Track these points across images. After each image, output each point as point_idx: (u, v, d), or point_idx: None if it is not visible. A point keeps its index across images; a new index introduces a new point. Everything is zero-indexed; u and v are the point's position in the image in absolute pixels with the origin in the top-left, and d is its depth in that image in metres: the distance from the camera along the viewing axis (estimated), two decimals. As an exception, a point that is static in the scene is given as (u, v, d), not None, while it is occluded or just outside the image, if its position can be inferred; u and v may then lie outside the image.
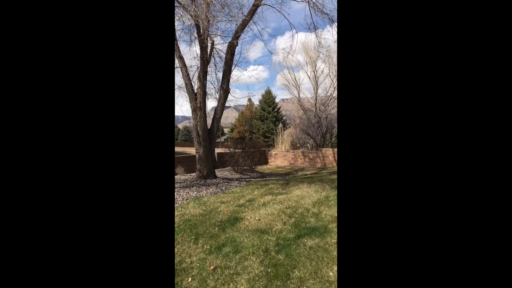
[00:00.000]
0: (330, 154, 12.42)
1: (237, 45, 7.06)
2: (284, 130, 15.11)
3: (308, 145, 14.93)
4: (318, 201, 4.59)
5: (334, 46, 15.65)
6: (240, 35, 6.85)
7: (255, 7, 6.76)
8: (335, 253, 2.77)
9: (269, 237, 3.25)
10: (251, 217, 4.01)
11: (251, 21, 6.93)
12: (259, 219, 3.90)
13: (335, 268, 2.51)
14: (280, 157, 12.92)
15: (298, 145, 15.03)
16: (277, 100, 21.21)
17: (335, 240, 3.05)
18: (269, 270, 2.54)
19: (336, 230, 3.32)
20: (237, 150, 9.09)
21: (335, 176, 7.63)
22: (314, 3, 7.21)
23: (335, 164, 12.38)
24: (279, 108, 20.71)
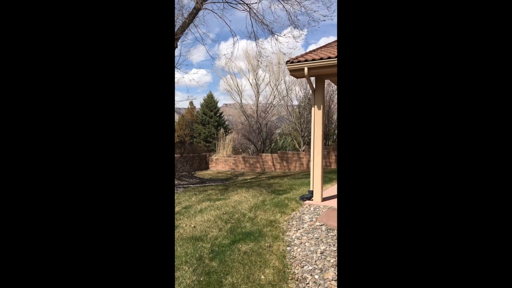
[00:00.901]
0: (269, 160, 12.83)
1: (176, 47, 6.85)
2: (226, 135, 15.10)
3: (249, 150, 15.19)
4: (255, 205, 4.69)
5: (273, 57, 16.30)
6: (180, 37, 6.66)
7: (196, 10, 6.66)
8: (268, 256, 2.86)
9: (204, 244, 3.18)
10: (186, 225, 3.89)
11: (192, 24, 6.81)
12: (194, 226, 3.80)
13: (267, 271, 2.59)
14: (221, 162, 12.86)
15: (241, 150, 15.18)
16: (219, 104, 21.11)
17: (268, 244, 3.15)
18: (201, 279, 2.48)
19: (269, 233, 3.43)
20: (175, 155, 8.75)
21: (273, 181, 7.91)
22: (255, 13, 7.45)
23: (273, 169, 12.82)
24: (221, 113, 20.66)
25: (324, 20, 26.23)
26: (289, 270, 2.62)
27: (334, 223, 3.57)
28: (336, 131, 15.76)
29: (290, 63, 4.60)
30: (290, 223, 3.75)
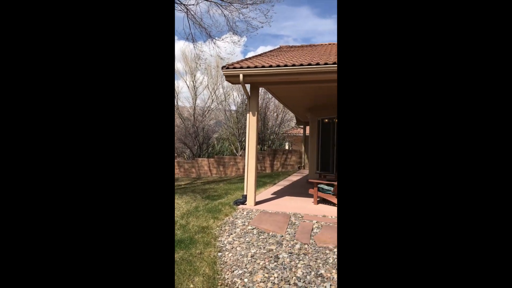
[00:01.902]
0: (205, 164, 12.59)
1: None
2: (159, 138, 14.31)
3: (184, 155, 14.69)
4: (187, 212, 4.54)
5: (212, 60, 16.20)
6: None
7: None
8: (198, 263, 2.79)
9: (128, 257, 2.93)
10: (108, 236, 3.53)
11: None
12: (118, 238, 3.47)
13: (196, 279, 2.52)
14: (153, 167, 12.11)
15: (176, 154, 14.56)
16: (153, 106, 20.01)
17: (199, 251, 3.07)
18: (122, 295, 2.28)
19: (201, 240, 3.36)
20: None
21: (208, 186, 7.79)
22: (192, 15, 7.30)
23: (210, 174, 12.63)
24: (155, 115, 19.64)
25: (262, 27, 27.27)
26: (219, 276, 2.60)
27: (265, 226, 3.68)
28: (271, 136, 16.40)
29: (226, 68, 4.64)
30: (222, 228, 3.73)
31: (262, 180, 7.88)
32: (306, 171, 10.79)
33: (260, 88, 5.38)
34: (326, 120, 7.72)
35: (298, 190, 6.60)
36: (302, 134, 13.48)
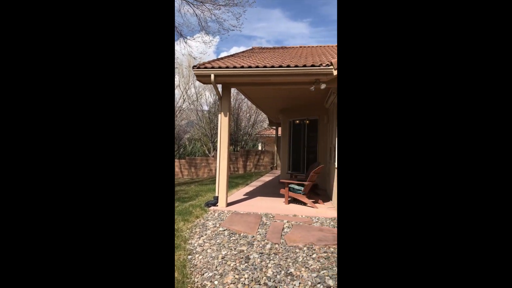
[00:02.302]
0: (176, 166, 12.29)
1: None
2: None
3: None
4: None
5: (184, 59, 15.87)
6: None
7: None
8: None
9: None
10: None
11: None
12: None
13: None
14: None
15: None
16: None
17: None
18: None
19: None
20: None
21: (179, 188, 7.61)
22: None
23: (181, 175, 12.35)
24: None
25: (233, 30, 27.19)
26: (189, 280, 2.55)
27: (236, 227, 3.67)
28: (244, 137, 16.42)
29: (197, 68, 4.57)
30: (193, 231, 3.67)
31: (234, 181, 7.86)
32: (278, 172, 10.93)
33: (233, 89, 5.37)
34: (298, 122, 7.88)
35: (270, 190, 6.66)
36: (274, 135, 13.65)
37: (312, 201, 5.13)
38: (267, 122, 14.47)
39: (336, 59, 4.19)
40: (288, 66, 4.29)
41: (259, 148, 19.20)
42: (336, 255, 2.89)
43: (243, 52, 7.47)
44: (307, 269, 2.62)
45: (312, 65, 4.24)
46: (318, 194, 6.15)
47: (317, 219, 4.18)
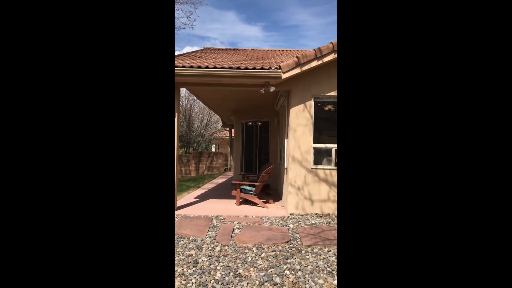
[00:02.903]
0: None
1: None
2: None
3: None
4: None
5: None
6: None
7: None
8: None
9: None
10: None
11: None
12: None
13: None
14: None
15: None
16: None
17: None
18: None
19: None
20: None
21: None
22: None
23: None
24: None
25: (184, 28, 26.55)
26: (131, 290, 2.40)
27: (185, 231, 3.56)
28: (197, 139, 16.07)
29: (143, 66, 4.34)
30: (138, 238, 3.46)
31: (186, 184, 7.64)
32: (232, 173, 10.91)
33: (185, 89, 5.21)
34: (250, 123, 7.97)
35: (222, 192, 6.61)
36: (228, 137, 13.61)
37: (263, 201, 5.22)
38: (221, 123, 14.38)
39: (285, 63, 4.34)
40: (238, 68, 4.32)
41: (213, 149, 18.96)
42: (284, 253, 2.98)
43: (194, 52, 7.32)
44: (255, 268, 2.65)
45: (262, 68, 4.33)
46: (269, 194, 6.29)
47: (267, 218, 4.27)
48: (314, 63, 4.38)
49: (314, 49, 4.37)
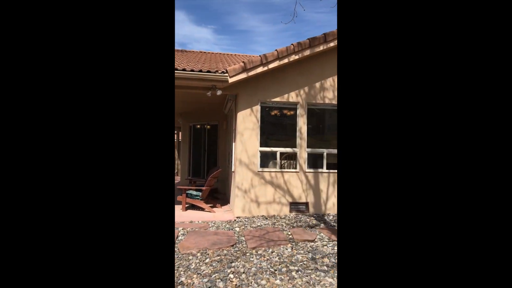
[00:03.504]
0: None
1: None
2: None
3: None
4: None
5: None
6: None
7: None
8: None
9: None
10: None
11: None
12: None
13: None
14: None
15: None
16: None
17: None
18: None
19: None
20: None
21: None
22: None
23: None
24: None
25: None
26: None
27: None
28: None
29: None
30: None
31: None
32: (179, 178, 10.53)
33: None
34: (198, 126, 7.82)
35: (168, 198, 6.34)
36: (175, 140, 13.12)
37: (210, 206, 5.15)
38: (168, 126, 13.76)
39: (231, 67, 4.37)
40: (184, 69, 4.22)
41: (160, 153, 18.05)
42: (229, 257, 2.97)
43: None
44: (199, 275, 2.59)
45: (208, 71, 4.30)
46: (217, 198, 6.24)
47: (214, 223, 4.22)
48: (260, 69, 4.50)
49: (260, 55, 4.49)
